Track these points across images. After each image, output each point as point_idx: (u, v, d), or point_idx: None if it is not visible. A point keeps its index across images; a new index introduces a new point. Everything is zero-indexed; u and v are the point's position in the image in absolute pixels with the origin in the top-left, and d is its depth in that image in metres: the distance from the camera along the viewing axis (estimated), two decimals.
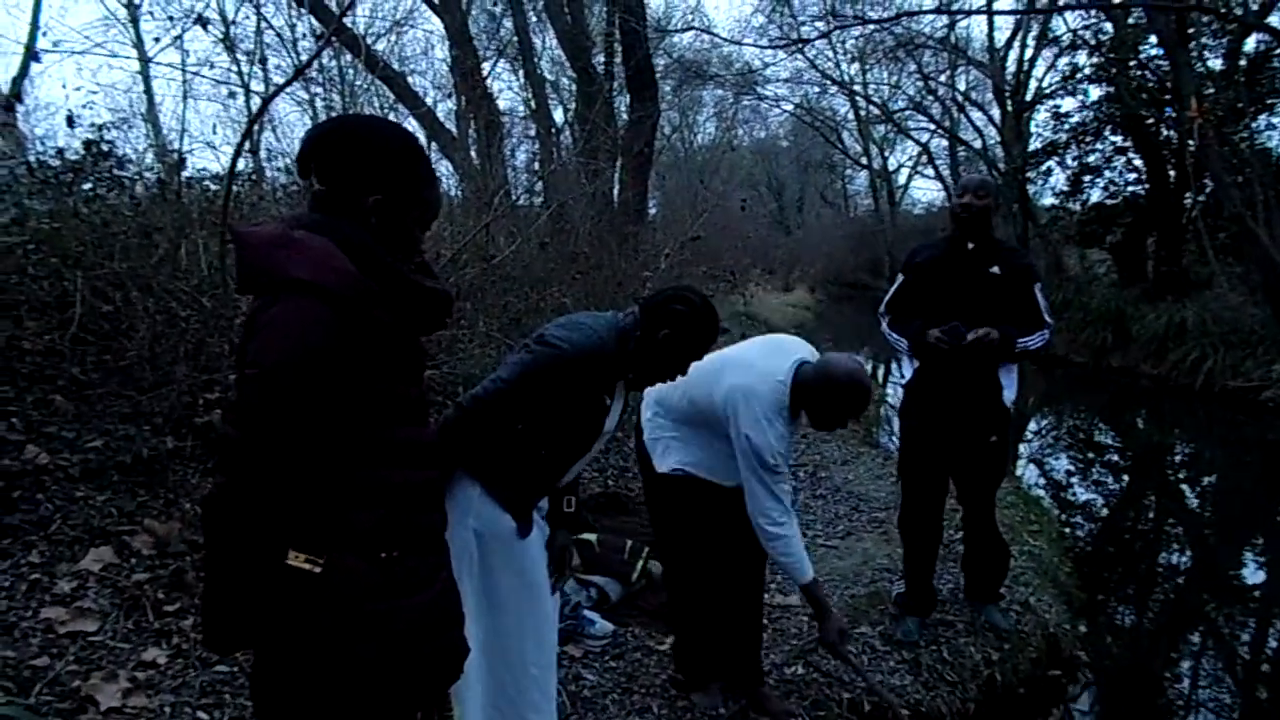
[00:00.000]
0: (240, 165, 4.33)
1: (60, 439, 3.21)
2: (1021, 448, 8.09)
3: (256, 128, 5.58)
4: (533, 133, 10.23)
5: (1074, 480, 7.48)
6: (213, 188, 4.65)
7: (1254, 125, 13.61)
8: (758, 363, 2.56)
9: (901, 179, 30.74)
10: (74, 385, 3.44)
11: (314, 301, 1.30)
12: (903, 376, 3.50)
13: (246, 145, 4.39)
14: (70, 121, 4.27)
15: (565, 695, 2.82)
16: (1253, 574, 5.30)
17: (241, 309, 3.52)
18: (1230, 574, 5.20)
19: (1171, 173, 14.67)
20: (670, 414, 2.70)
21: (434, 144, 8.99)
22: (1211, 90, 12.38)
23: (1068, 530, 5.63)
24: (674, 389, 2.57)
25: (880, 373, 12.58)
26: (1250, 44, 13.39)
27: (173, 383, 3.51)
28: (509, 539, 2.04)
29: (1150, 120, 14.83)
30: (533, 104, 10.45)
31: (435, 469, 1.56)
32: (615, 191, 9.56)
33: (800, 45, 14.52)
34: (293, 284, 1.31)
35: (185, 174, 4.76)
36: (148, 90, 9.53)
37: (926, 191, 33.24)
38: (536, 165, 9.31)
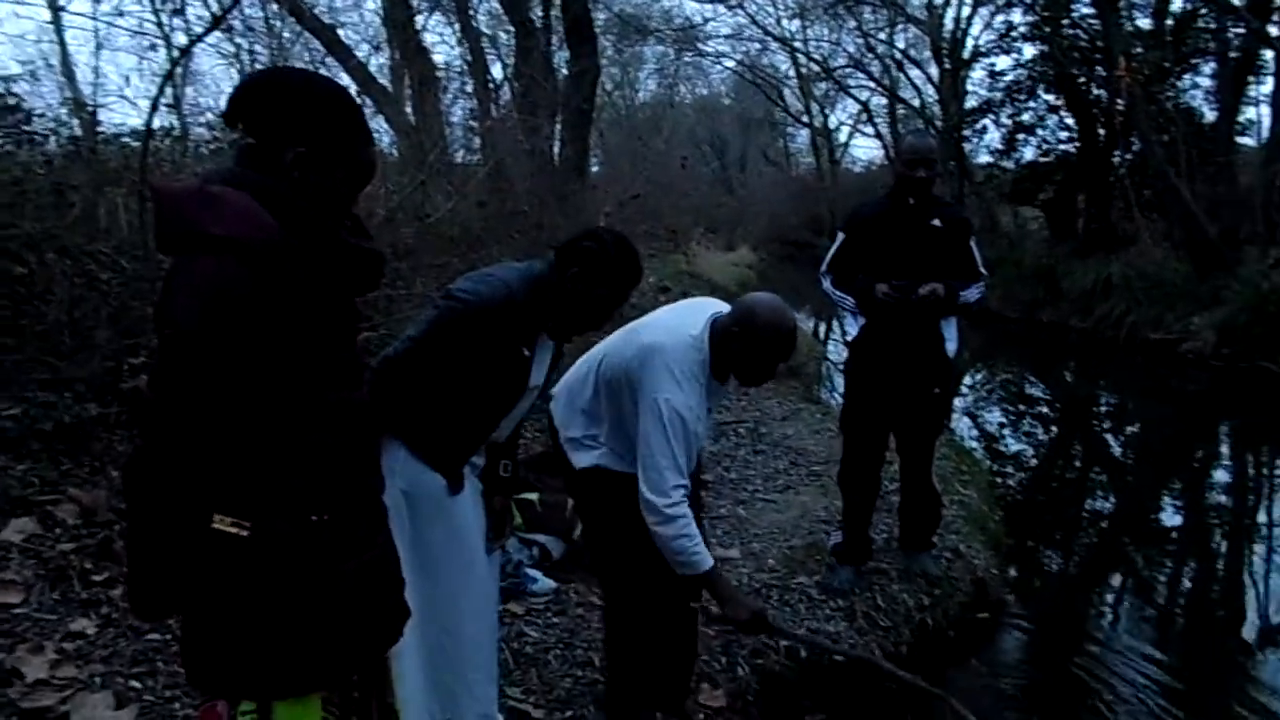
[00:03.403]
0: (161, 121, 4.16)
1: None
2: (956, 401, 8.31)
3: (178, 81, 5.35)
4: (470, 88, 9.99)
5: (1005, 431, 7.73)
6: (131, 144, 4.45)
7: (1179, 85, 14.01)
8: (669, 322, 2.32)
9: (842, 137, 30.95)
10: None
11: (231, 259, 1.26)
12: (846, 335, 3.55)
13: (165, 99, 4.20)
14: None
15: (508, 652, 2.84)
16: (1170, 518, 5.57)
17: (164, 270, 3.40)
18: (1150, 518, 5.46)
19: (1101, 131, 15.03)
20: (583, 406, 2.39)
21: (367, 99, 8.72)
22: (1140, 50, 12.68)
23: (998, 480, 5.82)
24: (585, 379, 2.37)
25: (821, 330, 12.77)
26: (1177, 3, 13.75)
27: (94, 348, 3.38)
28: (439, 497, 2.03)
29: (1081, 79, 15.13)
30: (469, 58, 10.19)
31: (369, 431, 1.53)
32: (555, 149, 9.43)
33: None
34: (210, 241, 1.26)
35: (102, 130, 4.55)
36: (60, 41, 9.04)
37: (866, 149, 33.57)
38: (474, 121, 9.12)
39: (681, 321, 2.29)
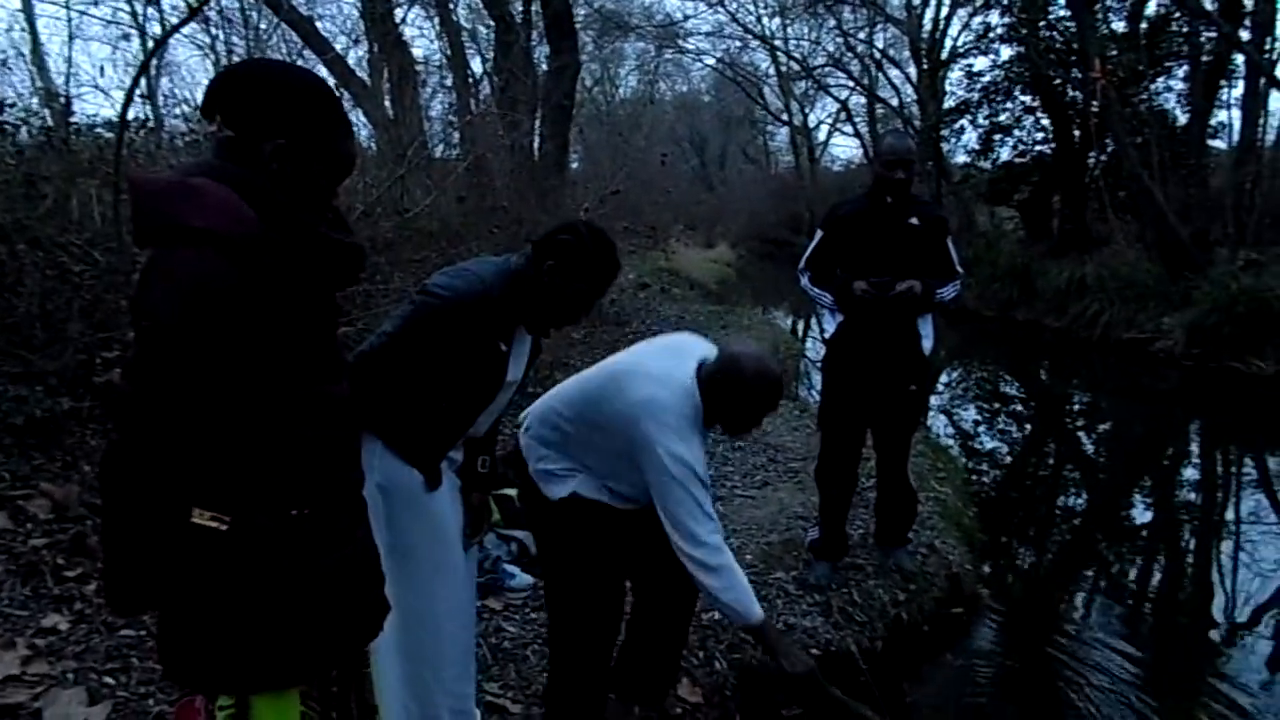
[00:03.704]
0: (135, 112, 4.10)
1: None
2: (932, 399, 8.39)
3: (153, 72, 5.28)
4: (449, 82, 9.95)
5: (980, 429, 7.82)
6: (105, 135, 4.39)
7: (1153, 87, 14.20)
8: (657, 370, 2.21)
9: (821, 135, 31.11)
10: None
11: (210, 252, 1.25)
12: (824, 332, 3.57)
13: (140, 90, 4.15)
14: None
15: (485, 647, 2.84)
16: (1141, 514, 5.66)
17: (140, 263, 3.36)
18: (1120, 514, 5.55)
19: (1076, 133, 15.20)
20: (556, 439, 2.30)
21: (345, 92, 8.66)
22: (1114, 52, 12.84)
23: (973, 477, 5.89)
24: (559, 412, 2.30)
25: (800, 328, 12.84)
26: (1151, 7, 13.94)
27: (67, 341, 3.35)
28: (416, 494, 2.02)
29: (1058, 80, 15.30)
30: (449, 52, 10.14)
31: (349, 425, 1.53)
32: (535, 144, 9.41)
33: None
34: (189, 233, 1.25)
35: (74, 120, 4.49)
36: (31, 30, 8.90)
37: (845, 149, 33.77)
38: (453, 116, 9.08)
39: (670, 370, 2.21)
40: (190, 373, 1.23)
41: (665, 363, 2.24)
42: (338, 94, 1.47)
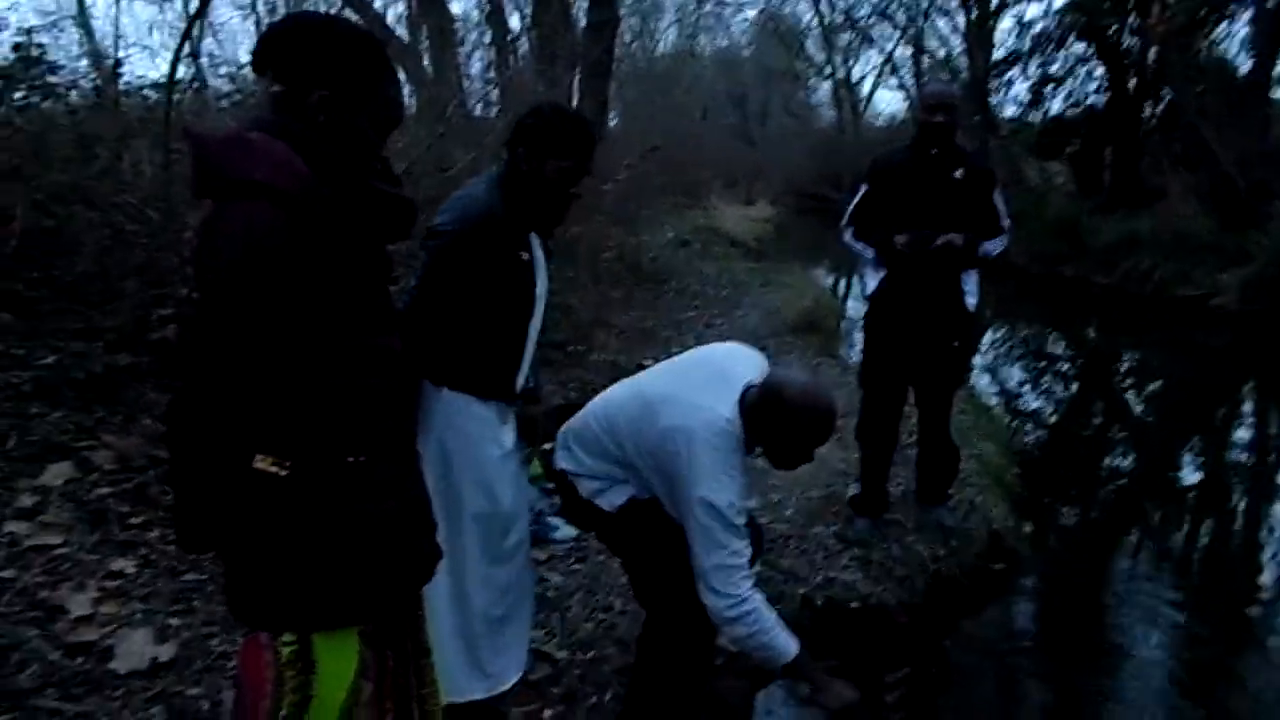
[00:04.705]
0: (181, 73, 4.16)
1: (10, 356, 3.16)
2: (976, 357, 8.28)
3: (197, 33, 5.33)
4: (488, 39, 9.89)
5: (1025, 387, 7.70)
6: (152, 96, 4.46)
7: (1212, 35, 13.64)
8: (697, 398, 2.08)
9: (865, 89, 30.41)
10: (21, 302, 3.36)
11: (266, 205, 1.28)
12: (865, 288, 3.54)
13: (186, 50, 4.20)
14: None
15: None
16: (1190, 474, 5.56)
17: (190, 222, 3.44)
18: (1170, 475, 5.46)
19: (1131, 82, 14.69)
20: (594, 456, 2.25)
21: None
22: None
23: (1017, 435, 5.83)
24: (593, 431, 2.25)
25: (841, 286, 12.70)
26: None
27: (123, 298, 3.44)
28: (477, 445, 2.06)
29: (1113, 28, 14.75)
30: (487, 9, 10.07)
31: (404, 377, 1.57)
32: (574, 101, 9.34)
33: None
34: (245, 186, 1.29)
35: (123, 81, 4.56)
36: None
37: (890, 103, 32.99)
38: (492, 73, 9.04)
39: (707, 398, 2.08)
40: (246, 322, 1.27)
41: (705, 388, 2.11)
42: (380, 43, 1.48)
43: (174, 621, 2.45)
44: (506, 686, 2.24)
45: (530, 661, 2.42)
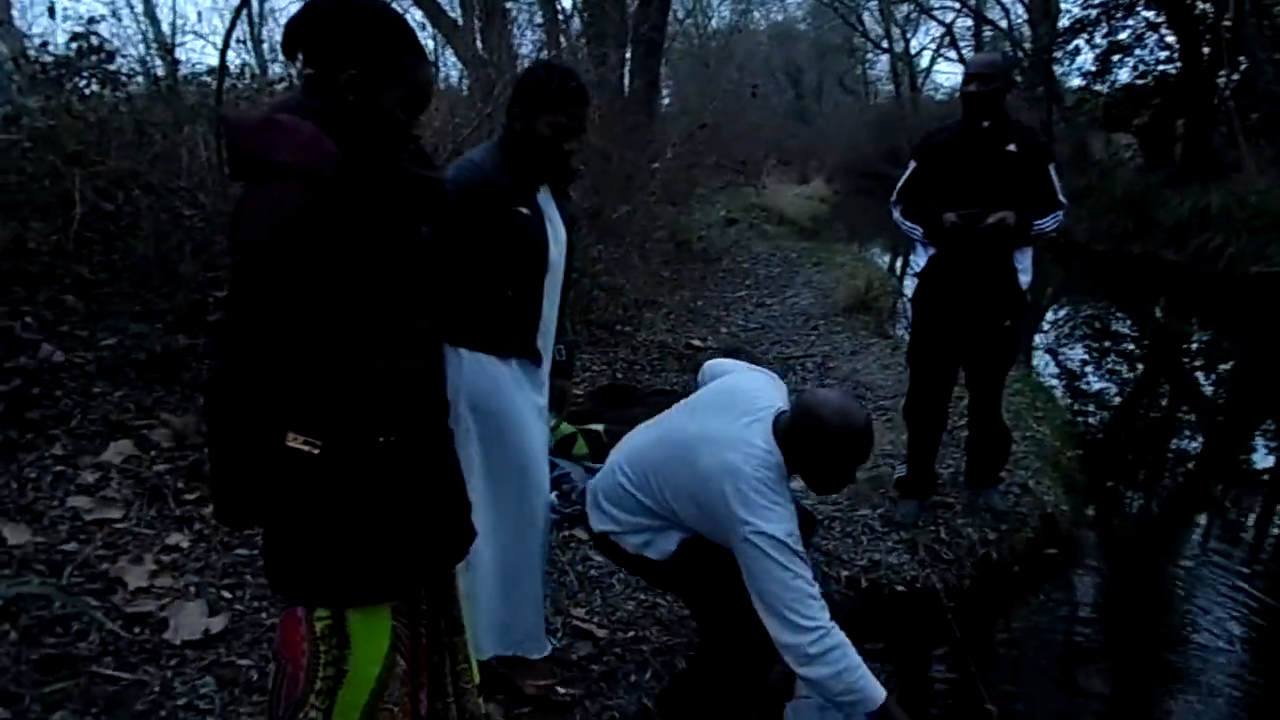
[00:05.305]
0: (236, 59, 4.24)
1: (74, 337, 3.29)
2: (1036, 338, 8.06)
3: (254, 19, 5.43)
4: (538, 19, 9.87)
5: (1087, 369, 7.47)
6: (209, 82, 4.56)
7: None
8: (732, 432, 2.04)
9: (924, 63, 29.74)
10: (83, 285, 3.49)
11: (296, 186, 1.30)
12: (915, 266, 3.46)
13: (238, 35, 4.27)
14: (52, 11, 4.17)
15: (573, 574, 2.94)
16: (1263, 459, 5.33)
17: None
18: (1240, 460, 5.24)
19: (1205, 50, 14.02)
20: (631, 509, 2.20)
21: (435, 30, 8.72)
22: None
23: (1078, 418, 5.66)
24: (622, 484, 2.20)
25: (897, 265, 12.47)
26: None
27: (180, 281, 3.55)
28: (503, 409, 2.08)
29: None
30: None
31: (433, 359, 1.58)
32: (625, 80, 9.29)
33: None
34: (274, 168, 1.30)
35: (181, 68, 4.67)
36: None
37: (950, 76, 32.12)
38: (543, 52, 9.03)
39: (741, 431, 2.04)
40: (276, 302, 1.28)
41: (736, 422, 2.07)
42: (410, 23, 1.48)
43: (226, 594, 2.53)
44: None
45: (570, 640, 2.44)
